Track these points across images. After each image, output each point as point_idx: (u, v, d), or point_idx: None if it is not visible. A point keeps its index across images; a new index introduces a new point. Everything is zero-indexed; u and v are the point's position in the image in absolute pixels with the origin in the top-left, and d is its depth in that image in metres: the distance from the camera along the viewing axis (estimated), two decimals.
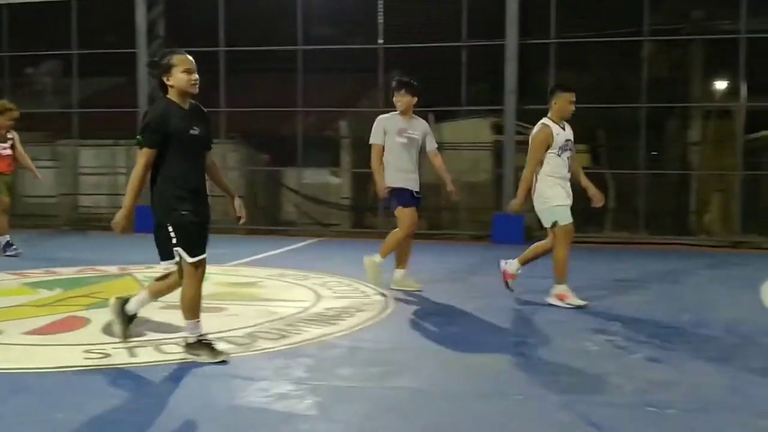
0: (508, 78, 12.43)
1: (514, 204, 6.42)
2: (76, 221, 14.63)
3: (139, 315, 4.75)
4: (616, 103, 13.81)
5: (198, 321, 4.41)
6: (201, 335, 4.41)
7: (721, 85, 15.53)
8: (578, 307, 6.07)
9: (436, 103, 14.18)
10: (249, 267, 8.66)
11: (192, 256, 4.30)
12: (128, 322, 4.67)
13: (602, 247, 11.92)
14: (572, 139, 6.43)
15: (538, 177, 6.24)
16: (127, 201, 4.28)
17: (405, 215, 6.90)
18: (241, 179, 15.20)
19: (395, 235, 6.97)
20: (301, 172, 14.21)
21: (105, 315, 5.01)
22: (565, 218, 6.15)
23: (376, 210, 13.78)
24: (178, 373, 4.20)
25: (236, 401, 3.71)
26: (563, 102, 6.28)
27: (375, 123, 7.15)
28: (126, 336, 4.69)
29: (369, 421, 3.44)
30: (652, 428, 3.35)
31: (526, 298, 6.56)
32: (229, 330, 5.22)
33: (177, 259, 4.34)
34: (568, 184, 6.31)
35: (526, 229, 12.62)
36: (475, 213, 13.99)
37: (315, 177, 15.19)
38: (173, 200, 4.26)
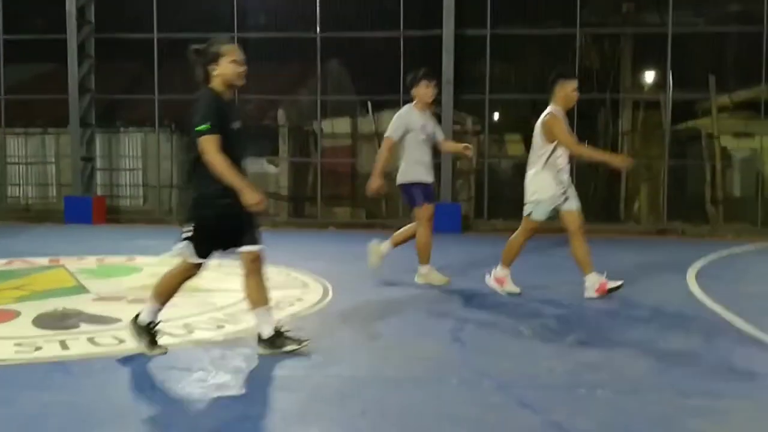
0: (445, 68, 12.54)
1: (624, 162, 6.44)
2: (3, 212, 14.14)
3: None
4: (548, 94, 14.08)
5: (161, 308, 4.36)
6: (152, 322, 4.34)
7: (649, 77, 16.03)
8: (512, 294, 6.20)
9: (374, 92, 14.23)
10: None
11: (198, 255, 4.21)
12: None
13: (536, 235, 12.18)
14: None
15: (538, 164, 6.15)
16: (237, 182, 4.01)
17: (423, 212, 6.82)
18: (177, 169, 14.94)
19: (419, 236, 6.82)
20: None
21: (36, 308, 4.88)
22: (539, 216, 6.19)
23: (315, 200, 13.75)
24: (112, 365, 4.13)
25: (173, 392, 3.67)
26: (568, 90, 6.10)
27: (396, 118, 6.90)
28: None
29: (307, 408, 3.46)
30: (582, 409, 3.47)
31: (463, 285, 6.68)
32: (166, 321, 5.13)
33: (180, 247, 4.22)
34: (566, 175, 6.19)
35: (462, 218, 12.82)
36: None
37: (252, 166, 15.05)
38: (210, 198, 4.12)
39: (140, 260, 8.15)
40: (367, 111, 14.82)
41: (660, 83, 13.99)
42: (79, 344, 4.54)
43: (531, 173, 6.23)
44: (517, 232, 6.33)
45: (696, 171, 13.52)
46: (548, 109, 6.14)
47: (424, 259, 6.86)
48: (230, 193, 4.04)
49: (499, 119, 16.54)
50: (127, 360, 4.22)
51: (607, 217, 13.46)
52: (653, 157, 13.36)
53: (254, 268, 4.33)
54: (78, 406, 3.47)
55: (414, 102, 6.90)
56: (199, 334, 4.83)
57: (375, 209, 14.85)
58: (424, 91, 6.83)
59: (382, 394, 3.69)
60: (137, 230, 12.06)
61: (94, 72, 13.83)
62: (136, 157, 15.12)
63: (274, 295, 6.14)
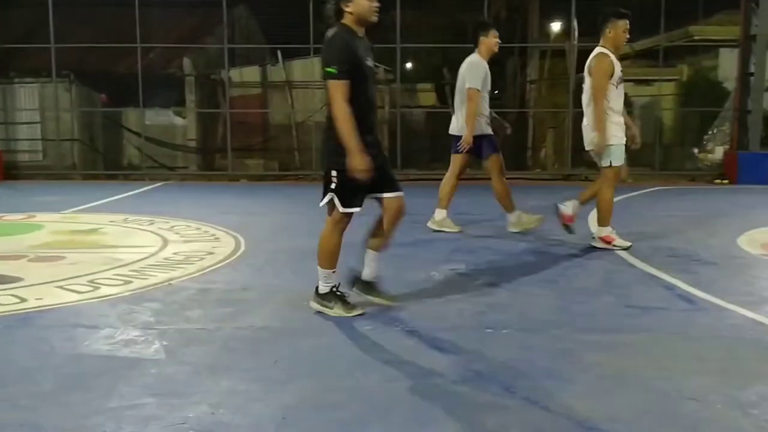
0: None
1: (599, 143, 5.81)
2: None
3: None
4: (459, 44, 14.15)
5: (333, 271, 4.16)
6: (334, 286, 4.17)
7: (555, 26, 16.34)
8: (625, 249, 5.96)
9: (284, 41, 13.93)
10: (89, 214, 8.23)
11: (345, 206, 4.00)
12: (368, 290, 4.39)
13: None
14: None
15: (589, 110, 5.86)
16: (351, 142, 3.81)
17: (494, 163, 6.72)
18: (77, 121, 14.29)
19: (497, 186, 6.74)
20: (143, 113, 13.54)
21: None
22: (619, 159, 5.89)
23: (226, 152, 13.47)
24: (14, 325, 3.98)
25: (79, 350, 3.58)
26: (619, 30, 5.83)
27: (474, 68, 6.65)
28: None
29: (219, 360, 3.44)
30: (489, 347, 3.60)
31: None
32: (69, 278, 4.99)
33: (326, 200, 4.04)
34: (623, 119, 5.92)
35: None
36: None
37: (158, 118, 14.55)
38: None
39: (41, 217, 7.81)
40: (277, 59, 14.51)
41: (566, 32, 14.28)
42: None
43: (593, 120, 5.89)
44: (601, 187, 6.01)
45: None
46: (598, 49, 5.90)
47: (509, 207, 6.81)
48: (368, 139, 3.92)
49: (411, 69, 16.56)
50: (29, 318, 4.08)
51: (516, 164, 13.81)
52: (560, 105, 13.71)
53: (396, 216, 4.20)
54: None
55: (478, 51, 6.75)
56: (105, 291, 4.69)
57: (288, 160, 14.69)
58: (494, 41, 6.73)
59: (295, 343, 3.71)
60: (37, 186, 11.52)
61: None
62: (33, 110, 14.34)
63: (185, 249, 6.05)
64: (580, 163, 12.69)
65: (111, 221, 7.61)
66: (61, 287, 4.74)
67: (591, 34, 13.23)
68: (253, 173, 13.64)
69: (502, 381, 3.15)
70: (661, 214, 8.36)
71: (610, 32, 5.86)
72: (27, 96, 14.34)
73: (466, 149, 6.65)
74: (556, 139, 14.26)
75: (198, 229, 7.09)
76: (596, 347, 3.62)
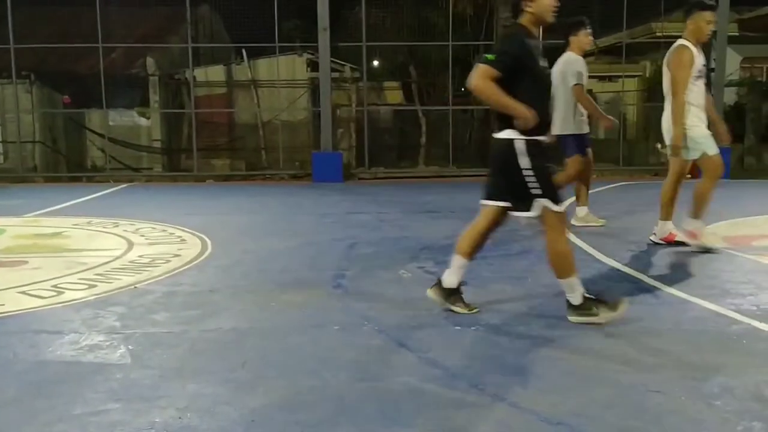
0: (321, 15, 12.35)
1: (677, 143, 5.62)
2: None
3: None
4: (425, 41, 14.22)
5: (576, 277, 3.90)
6: (583, 292, 3.92)
7: None
8: (708, 251, 5.75)
9: (249, 39, 13.84)
10: (52, 217, 8.09)
11: (557, 203, 3.81)
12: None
13: (416, 181, 12.43)
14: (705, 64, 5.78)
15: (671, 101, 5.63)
16: (505, 101, 3.70)
17: (577, 162, 6.77)
18: (38, 123, 14.04)
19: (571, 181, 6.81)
20: (106, 114, 13.35)
21: None
22: (713, 148, 5.64)
23: (191, 152, 13.34)
24: None
25: (43, 356, 3.52)
26: (701, 22, 5.56)
27: (570, 65, 6.66)
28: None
29: (186, 363, 3.41)
30: (457, 344, 3.62)
31: (342, 235, 6.73)
32: (32, 283, 4.90)
33: (537, 211, 3.81)
34: (704, 114, 5.71)
35: (343, 166, 12.85)
36: (294, 152, 13.98)
37: (122, 119, 14.35)
38: (532, 144, 3.77)
39: (2, 221, 7.66)
40: (242, 58, 14.41)
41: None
42: None
43: (666, 115, 5.74)
44: (703, 179, 5.80)
45: None
46: (679, 41, 5.67)
47: (583, 200, 7.04)
48: (543, 146, 3.83)
49: (377, 66, 16.55)
50: None
51: (482, 162, 13.89)
52: None
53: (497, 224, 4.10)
54: None
55: (570, 49, 6.78)
56: (69, 295, 4.62)
57: (255, 160, 14.60)
58: (585, 39, 6.78)
59: (263, 344, 3.69)
60: None
61: None
62: None
63: (151, 251, 5.99)
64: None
65: (74, 224, 7.49)
66: (23, 293, 4.66)
67: (555, 31, 13.44)
68: (219, 173, 13.53)
69: (469, 378, 3.17)
70: (624, 209, 8.49)
71: (691, 23, 5.62)
72: None
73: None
74: None
75: (164, 231, 7.02)
76: (562, 343, 3.66)
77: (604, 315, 3.88)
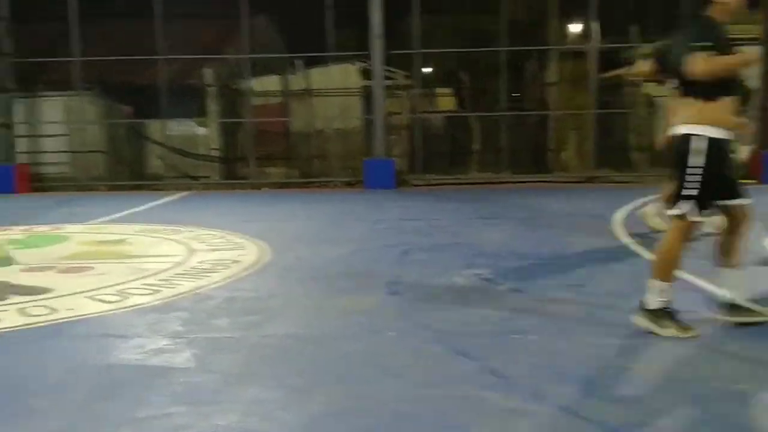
0: (375, 23, 12.43)
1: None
2: None
3: None
4: (477, 47, 14.16)
5: (670, 285, 3.78)
6: (667, 303, 3.79)
7: (575, 27, 16.25)
8: None
9: (303, 49, 14.01)
10: (115, 224, 8.33)
11: (700, 213, 3.72)
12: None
13: (468, 188, 12.37)
14: None
15: None
16: (730, 60, 3.64)
17: None
18: (102, 133, 14.47)
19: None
20: (165, 124, 13.68)
21: None
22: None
23: (248, 160, 13.56)
24: (45, 336, 4.04)
25: (110, 360, 3.62)
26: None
27: None
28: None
29: (246, 369, 3.47)
30: (516, 354, 3.59)
31: (396, 241, 6.74)
32: (98, 288, 5.05)
33: (685, 208, 3.71)
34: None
35: (396, 173, 12.88)
36: (347, 159, 14.07)
37: (181, 128, 14.68)
38: (713, 139, 3.67)
39: (68, 228, 7.92)
40: (297, 68, 14.59)
41: (586, 33, 14.21)
42: (9, 316, 4.41)
43: None
44: None
45: (621, 119, 13.90)
46: None
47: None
48: (724, 132, 3.70)
49: (429, 73, 16.55)
50: (60, 329, 4.13)
51: (539, 167, 13.76)
52: (580, 107, 13.63)
53: (742, 225, 3.85)
54: (14, 378, 3.39)
55: None
56: (134, 300, 4.75)
57: (308, 168, 14.75)
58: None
59: (320, 350, 3.72)
60: (63, 198, 11.68)
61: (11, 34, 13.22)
62: (59, 123, 14.56)
63: (211, 257, 6.11)
64: (604, 164, 12.63)
65: (137, 231, 7.70)
66: (90, 297, 4.81)
67: (611, 33, 13.24)
68: (275, 181, 13.72)
69: (530, 387, 3.14)
70: None
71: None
72: (51, 109, 14.55)
73: None
74: (579, 141, 14.18)
75: (223, 237, 7.15)
76: (625, 351, 3.59)
77: (669, 331, 3.74)
